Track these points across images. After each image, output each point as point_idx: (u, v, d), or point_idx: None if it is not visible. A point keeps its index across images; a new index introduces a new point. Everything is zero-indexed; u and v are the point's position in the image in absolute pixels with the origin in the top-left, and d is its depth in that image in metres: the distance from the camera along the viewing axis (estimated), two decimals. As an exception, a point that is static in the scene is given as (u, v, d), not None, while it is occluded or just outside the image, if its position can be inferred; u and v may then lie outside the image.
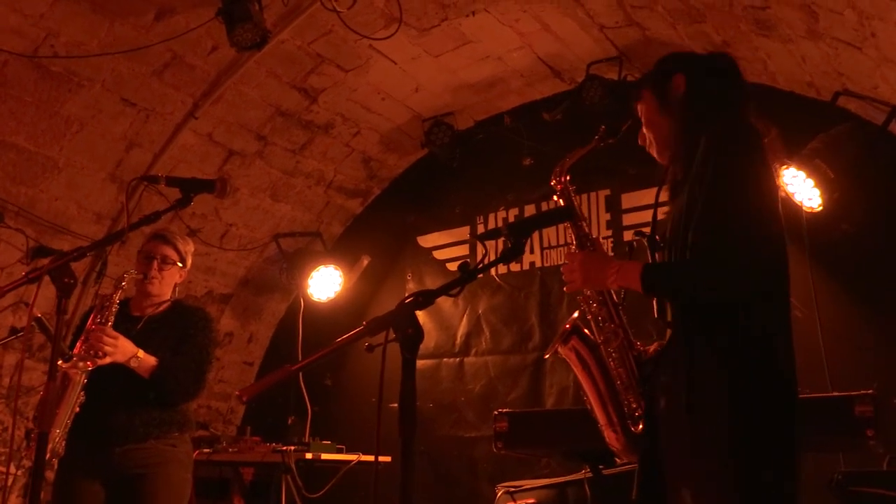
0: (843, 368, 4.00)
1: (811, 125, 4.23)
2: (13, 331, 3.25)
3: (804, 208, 4.15)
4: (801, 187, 4.12)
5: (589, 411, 2.39)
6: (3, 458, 5.10)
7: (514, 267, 5.40)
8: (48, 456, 2.92)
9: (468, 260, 5.54)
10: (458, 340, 5.54)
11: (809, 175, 4.06)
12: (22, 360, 4.95)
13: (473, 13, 4.57)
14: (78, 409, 2.94)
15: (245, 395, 1.62)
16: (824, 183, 4.03)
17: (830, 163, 3.99)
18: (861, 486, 2.97)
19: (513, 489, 3.96)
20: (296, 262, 5.88)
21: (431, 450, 5.29)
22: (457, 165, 5.64)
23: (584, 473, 3.66)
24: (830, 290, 4.26)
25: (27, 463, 5.18)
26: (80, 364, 2.93)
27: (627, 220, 5.03)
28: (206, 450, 5.08)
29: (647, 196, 4.97)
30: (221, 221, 5.71)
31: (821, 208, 4.13)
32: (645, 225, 4.88)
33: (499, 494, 3.99)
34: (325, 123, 5.47)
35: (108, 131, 4.83)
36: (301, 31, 4.62)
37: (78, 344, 3.02)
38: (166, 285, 3.31)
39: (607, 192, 5.14)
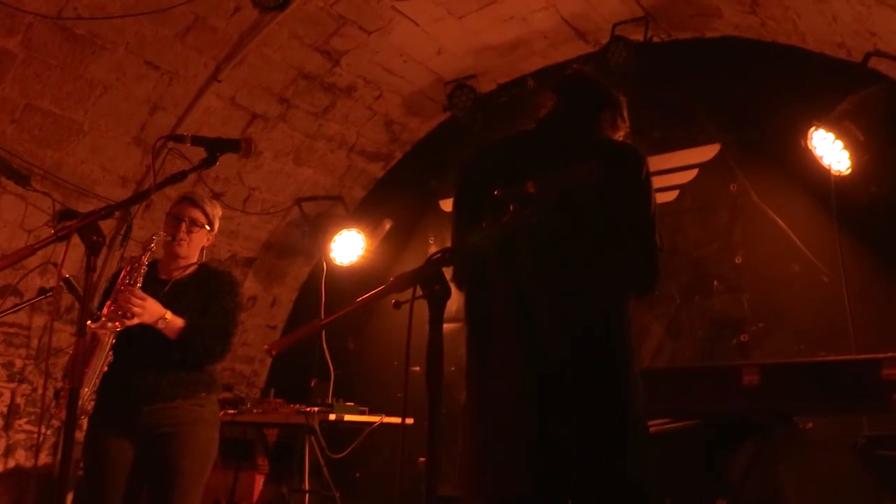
0: (870, 331, 3.97)
1: (841, 87, 4.15)
2: (41, 291, 3.27)
3: (832, 171, 4.10)
4: (829, 150, 4.06)
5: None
6: (33, 417, 5.20)
7: (538, 230, 5.37)
8: (77, 413, 2.97)
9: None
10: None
11: (838, 137, 3.99)
12: (51, 321, 5.02)
13: (497, -27, 4.52)
14: (106, 369, 2.97)
15: (274, 349, 1.63)
16: (853, 145, 3.97)
17: (860, 125, 3.92)
18: (886, 450, 2.96)
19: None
20: (318, 226, 5.90)
21: (454, 413, 5.30)
22: (479, 129, 5.58)
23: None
24: (857, 254, 4.21)
25: (56, 423, 5.28)
26: (109, 324, 2.94)
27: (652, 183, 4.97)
28: (230, 411, 5.14)
29: (671, 160, 4.92)
30: (244, 185, 5.72)
31: (849, 171, 4.07)
32: (670, 189, 4.89)
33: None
34: (347, 86, 5.44)
35: (131, 94, 4.84)
36: (323, -8, 4.59)
37: (107, 304, 3.04)
38: (194, 248, 3.31)
39: (631, 155, 5.08)
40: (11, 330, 5.00)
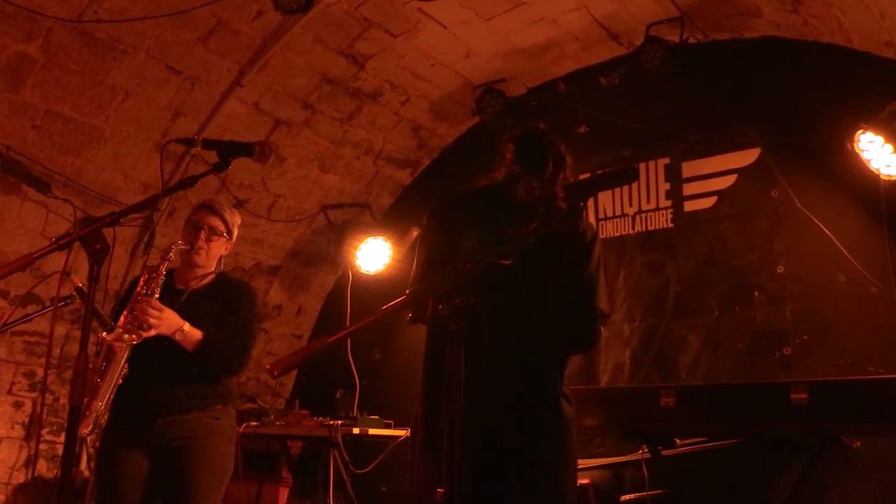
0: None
1: (889, 87, 3.96)
2: (58, 301, 3.19)
3: (882, 176, 3.90)
4: (878, 153, 3.87)
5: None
6: (55, 428, 5.13)
7: (568, 239, 5.21)
8: (91, 428, 2.88)
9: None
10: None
11: (888, 140, 3.79)
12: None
13: (527, -28, 4.37)
14: (121, 382, 2.88)
15: (276, 368, 1.49)
16: (904, 148, 3.76)
17: (911, 127, 3.72)
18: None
19: (566, 468, 3.81)
20: (344, 234, 5.78)
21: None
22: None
23: (641, 454, 3.49)
24: (910, 263, 3.99)
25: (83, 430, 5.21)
26: (125, 337, 2.87)
27: (689, 189, 4.79)
28: (253, 423, 5.03)
29: (709, 164, 4.72)
30: (269, 192, 5.62)
31: (900, 175, 3.86)
32: (707, 195, 4.70)
33: (551, 473, 3.84)
34: (373, 91, 5.32)
35: (153, 100, 4.76)
36: (348, -6, 4.48)
37: (123, 315, 2.96)
38: (212, 257, 3.23)
39: (666, 160, 4.90)
40: (33, 339, 4.94)
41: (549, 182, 2.49)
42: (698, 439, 3.40)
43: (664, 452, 3.31)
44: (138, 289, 3.01)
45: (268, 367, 1.52)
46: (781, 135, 4.48)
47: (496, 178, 2.57)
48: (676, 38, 4.66)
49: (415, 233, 5.75)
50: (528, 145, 2.58)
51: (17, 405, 4.98)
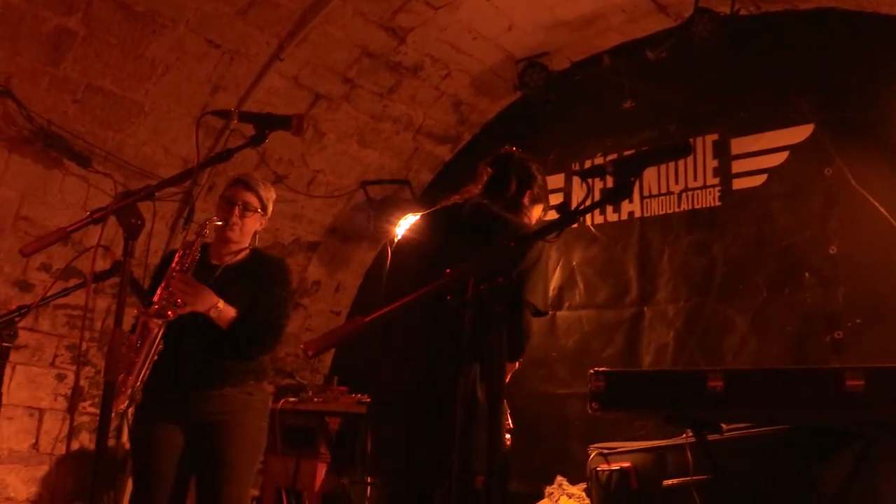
0: None
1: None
2: (96, 276, 3.19)
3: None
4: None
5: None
6: (97, 400, 5.19)
7: (612, 216, 5.10)
8: (127, 403, 2.88)
9: (566, 201, 5.25)
10: (551, 293, 5.28)
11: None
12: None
13: (572, -59, 4.24)
14: (156, 358, 2.87)
15: (311, 349, 1.43)
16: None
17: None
18: None
19: (607, 451, 3.72)
20: (383, 210, 5.72)
21: (520, 405, 5.07)
22: (552, 109, 5.35)
23: (685, 438, 3.39)
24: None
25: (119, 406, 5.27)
26: (161, 313, 2.85)
27: (738, 167, 4.64)
28: (291, 399, 5.03)
29: (759, 141, 4.57)
30: (308, 168, 5.58)
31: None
32: (757, 173, 4.54)
33: (592, 456, 3.76)
34: (413, 65, 5.24)
35: (192, 74, 4.73)
36: (388, -35, 4.39)
37: (157, 292, 2.94)
38: (246, 233, 3.19)
39: (715, 136, 4.75)
40: (75, 313, 4.98)
41: (512, 200, 2.75)
42: (744, 425, 3.29)
43: (709, 437, 3.21)
44: (173, 265, 2.99)
45: (302, 346, 1.47)
46: (836, 110, 4.31)
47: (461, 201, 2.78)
48: (727, 10, 4.51)
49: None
50: (496, 167, 2.82)
51: (60, 377, 5.04)
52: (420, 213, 2.95)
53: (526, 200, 2.81)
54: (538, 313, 2.48)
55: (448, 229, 2.68)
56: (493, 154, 2.89)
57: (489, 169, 2.83)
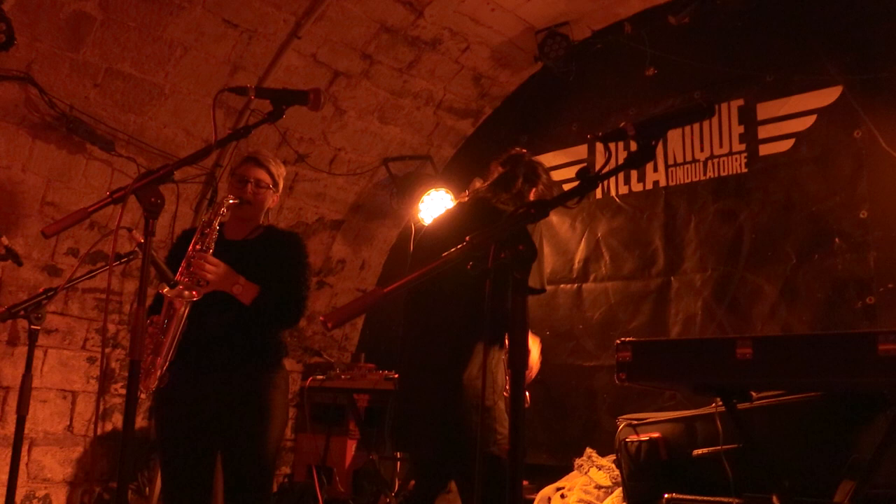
0: None
1: None
2: (118, 257, 3.20)
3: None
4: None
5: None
6: (126, 381, 5.25)
7: (636, 186, 5.04)
8: (156, 384, 2.89)
9: (587, 166, 5.20)
10: (576, 265, 5.25)
11: None
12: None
13: None
14: (181, 337, 2.88)
15: (331, 320, 1.42)
16: None
17: None
18: None
19: (636, 422, 3.70)
20: (406, 187, 5.71)
21: (547, 379, 5.06)
22: (573, 79, 5.29)
23: (714, 407, 3.36)
24: None
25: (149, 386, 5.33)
26: (186, 293, 2.86)
27: (764, 132, 4.55)
28: (319, 377, 5.06)
29: (786, 105, 4.48)
30: (330, 146, 5.57)
31: None
32: (784, 138, 4.46)
33: (620, 427, 3.74)
34: (432, 39, 5.19)
35: (211, 55, 4.72)
36: (404, -62, 4.34)
37: (179, 272, 2.95)
38: (259, 209, 3.20)
39: (740, 102, 4.66)
40: (103, 296, 5.02)
41: (518, 195, 3.03)
42: (775, 392, 3.25)
43: (739, 406, 3.18)
44: (192, 244, 2.99)
45: (321, 318, 1.45)
46: (865, 71, 4.20)
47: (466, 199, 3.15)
48: (751, -29, 4.41)
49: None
50: (507, 166, 3.12)
51: (91, 360, 5.10)
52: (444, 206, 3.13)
53: (531, 197, 3.05)
54: (533, 291, 2.59)
55: (458, 223, 2.97)
56: (505, 154, 3.18)
57: (500, 168, 3.11)
